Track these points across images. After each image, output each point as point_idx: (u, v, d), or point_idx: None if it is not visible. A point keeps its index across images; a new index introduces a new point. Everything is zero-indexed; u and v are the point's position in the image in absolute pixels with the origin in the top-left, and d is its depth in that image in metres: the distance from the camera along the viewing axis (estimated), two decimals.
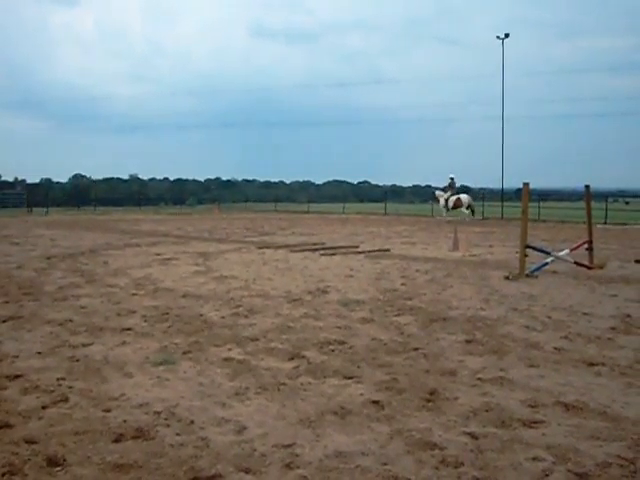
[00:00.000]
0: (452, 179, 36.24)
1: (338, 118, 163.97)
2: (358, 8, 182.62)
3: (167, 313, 8.34)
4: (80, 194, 65.33)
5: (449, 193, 35.14)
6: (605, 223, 32.88)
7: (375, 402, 4.89)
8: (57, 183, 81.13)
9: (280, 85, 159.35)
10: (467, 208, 34.89)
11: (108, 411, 4.68)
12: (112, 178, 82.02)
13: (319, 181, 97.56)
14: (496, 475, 3.67)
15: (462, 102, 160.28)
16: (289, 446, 4.08)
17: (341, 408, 4.75)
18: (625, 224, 32.90)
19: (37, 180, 79.53)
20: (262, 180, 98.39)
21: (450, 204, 34.89)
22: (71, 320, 7.91)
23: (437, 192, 36.67)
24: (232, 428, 4.38)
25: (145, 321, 7.90)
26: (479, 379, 5.54)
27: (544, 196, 51.36)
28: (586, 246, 13.72)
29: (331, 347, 6.61)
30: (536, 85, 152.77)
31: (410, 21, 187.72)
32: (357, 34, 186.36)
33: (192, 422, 4.46)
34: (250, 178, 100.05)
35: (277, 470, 3.75)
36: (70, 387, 5.25)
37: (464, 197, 35.21)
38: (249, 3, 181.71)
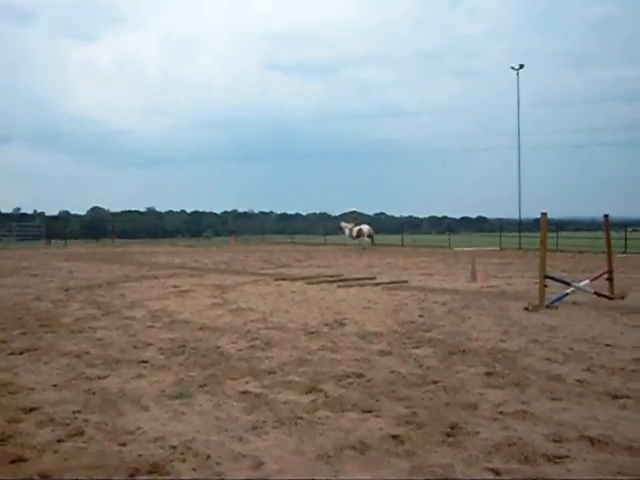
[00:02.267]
0: (354, 212, 41.89)
1: (354, 150, 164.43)
2: (371, 41, 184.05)
3: (184, 346, 8.29)
4: (98, 227, 65.79)
5: (353, 224, 39.77)
6: (625, 252, 32.59)
7: (395, 437, 4.79)
8: (75, 216, 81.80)
9: (296, 118, 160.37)
10: (368, 237, 39.62)
11: (124, 445, 4.62)
12: (130, 211, 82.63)
13: (336, 213, 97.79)
14: None
15: (477, 133, 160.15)
16: None
17: (360, 443, 4.65)
18: None
19: (56, 213, 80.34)
20: (279, 212, 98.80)
21: (353, 233, 39.31)
22: (88, 352, 7.88)
23: (342, 223, 41.27)
24: (249, 463, 4.29)
25: (161, 354, 7.85)
26: (500, 412, 5.42)
27: (562, 226, 51.13)
28: (606, 276, 13.56)
29: (349, 380, 6.52)
30: (551, 115, 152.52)
31: (422, 54, 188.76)
32: (371, 67, 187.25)
33: (208, 457, 4.38)
34: (267, 210, 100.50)
35: None
36: (86, 420, 5.19)
37: (365, 228, 39.72)
38: (264, 37, 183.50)
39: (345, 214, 44.33)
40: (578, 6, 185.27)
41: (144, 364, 7.26)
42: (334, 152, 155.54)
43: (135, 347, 8.25)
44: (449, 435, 4.84)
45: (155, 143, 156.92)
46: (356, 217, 41.09)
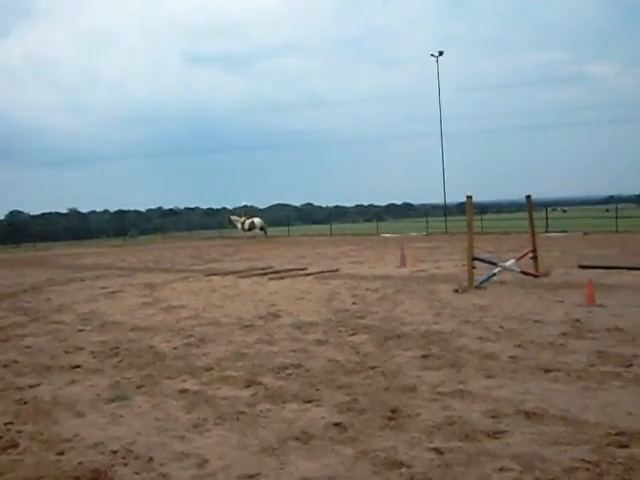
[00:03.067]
0: (246, 206, 45.92)
1: (278, 141, 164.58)
2: (291, 31, 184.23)
3: (116, 347, 8.13)
4: (18, 231, 63.67)
5: (244, 218, 41.80)
6: (546, 232, 33.58)
7: (337, 424, 4.82)
8: None
9: (218, 110, 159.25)
10: (260, 229, 41.65)
11: (62, 454, 4.50)
12: (51, 213, 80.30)
13: (262, 205, 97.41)
14: None
15: (400, 121, 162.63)
16: (253, 477, 3.98)
17: (303, 433, 4.66)
18: (565, 231, 33.68)
19: None
20: (205, 207, 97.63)
21: (246, 226, 41.20)
22: (16, 361, 7.62)
23: (232, 217, 43.17)
24: (193, 462, 4.25)
25: (94, 357, 7.67)
26: (439, 393, 5.52)
27: (485, 209, 52.28)
28: (531, 255, 13.96)
29: (288, 371, 6.53)
30: (473, 101, 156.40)
31: (343, 42, 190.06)
32: (291, 58, 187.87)
33: (151, 459, 4.31)
34: (192, 206, 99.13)
35: None
36: (19, 431, 5.03)
37: (257, 220, 41.85)
38: (183, 29, 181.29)
39: (236, 209, 46.43)
40: None
41: (77, 369, 7.08)
42: (258, 144, 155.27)
43: (66, 352, 8.04)
44: (390, 419, 4.89)
45: (73, 141, 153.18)
46: (246, 211, 43.78)
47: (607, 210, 48.59)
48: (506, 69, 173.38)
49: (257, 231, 41.42)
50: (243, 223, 41.54)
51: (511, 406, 5.05)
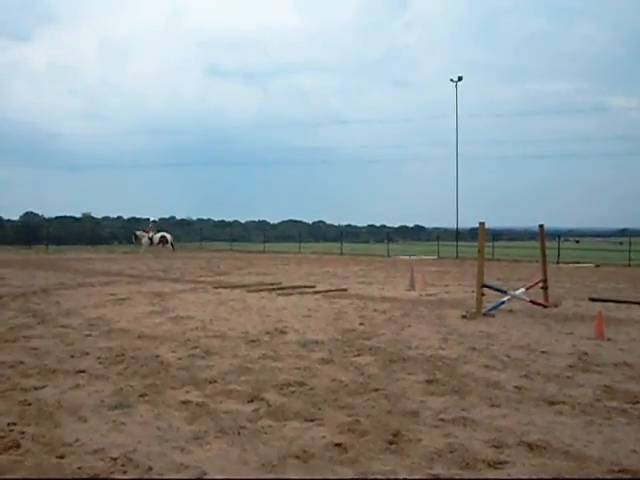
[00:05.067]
0: (155, 222, 44.03)
1: (292, 157, 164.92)
2: (311, 49, 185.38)
3: (122, 355, 8.14)
4: (32, 232, 63.96)
5: (152, 233, 41.05)
6: (557, 262, 33.47)
7: (338, 445, 4.80)
8: (8, 221, 79.51)
9: (234, 124, 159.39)
10: (170, 244, 41.18)
11: (62, 457, 4.50)
12: (65, 216, 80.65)
13: (274, 221, 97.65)
14: None
15: (416, 143, 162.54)
16: None
17: (303, 452, 4.65)
18: (577, 262, 33.56)
19: None
20: (217, 219, 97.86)
21: (156, 240, 40.60)
22: (22, 362, 7.65)
23: (139, 232, 42.09)
24: (192, 474, 4.24)
25: (100, 363, 7.69)
26: (441, 420, 5.50)
27: (497, 235, 52.19)
28: (541, 285, 13.92)
29: (291, 389, 6.51)
30: (488, 127, 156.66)
31: (362, 63, 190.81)
32: (310, 74, 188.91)
33: (150, 468, 4.31)
34: (205, 217, 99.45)
35: None
36: (22, 432, 5.04)
37: (168, 235, 41.58)
38: (203, 42, 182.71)
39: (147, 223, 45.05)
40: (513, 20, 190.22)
41: (82, 374, 7.09)
42: (273, 159, 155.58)
43: (72, 356, 8.06)
44: (391, 442, 4.87)
45: (92, 148, 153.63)
46: (153, 226, 42.70)
47: (620, 243, 48.35)
48: (523, 97, 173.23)
49: (168, 246, 41.04)
50: (151, 238, 40.86)
51: (514, 437, 5.02)
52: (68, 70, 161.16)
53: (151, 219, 44.41)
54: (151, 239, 40.47)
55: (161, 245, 40.53)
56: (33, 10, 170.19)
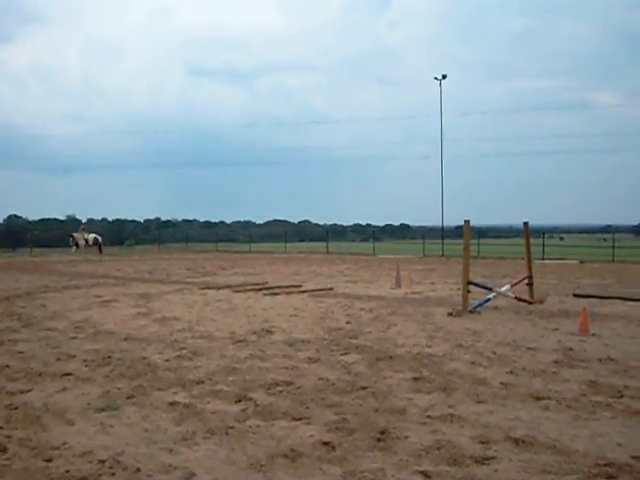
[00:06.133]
0: (86, 224, 46.56)
1: (277, 157, 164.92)
2: (296, 48, 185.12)
3: (109, 357, 8.11)
4: (15, 235, 63.52)
5: (85, 234, 41.74)
6: (543, 259, 33.64)
7: (326, 443, 4.81)
8: None
9: (219, 124, 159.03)
10: (99, 247, 41.89)
11: (49, 461, 4.49)
12: (48, 219, 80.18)
13: (260, 220, 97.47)
14: None
15: (400, 141, 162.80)
16: None
17: (291, 450, 4.66)
18: (562, 259, 33.75)
19: None
20: (202, 220, 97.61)
21: (90, 242, 41.32)
22: (8, 366, 7.61)
23: (75, 234, 42.16)
24: (180, 475, 4.24)
25: (86, 366, 7.66)
26: (429, 417, 5.52)
27: (482, 233, 52.38)
28: (526, 281, 13.99)
29: (279, 388, 6.52)
30: (472, 124, 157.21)
31: (346, 61, 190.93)
32: (294, 75, 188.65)
33: (138, 470, 4.30)
34: (190, 218, 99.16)
35: None
36: (8, 436, 5.01)
37: (99, 237, 42.54)
38: (187, 42, 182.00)
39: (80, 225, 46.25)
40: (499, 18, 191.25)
41: (68, 377, 7.07)
42: (258, 159, 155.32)
43: (58, 359, 8.03)
44: (379, 440, 4.89)
45: (74, 149, 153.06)
46: (85, 228, 43.55)
47: (604, 239, 48.63)
48: (508, 94, 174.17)
49: (97, 248, 41.49)
50: (86, 239, 41.10)
51: (501, 432, 5.05)
52: (51, 71, 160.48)
53: (84, 222, 46.19)
54: (86, 240, 40.98)
55: (95, 247, 40.99)
56: (15, 11, 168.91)
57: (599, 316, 11.56)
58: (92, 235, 41.43)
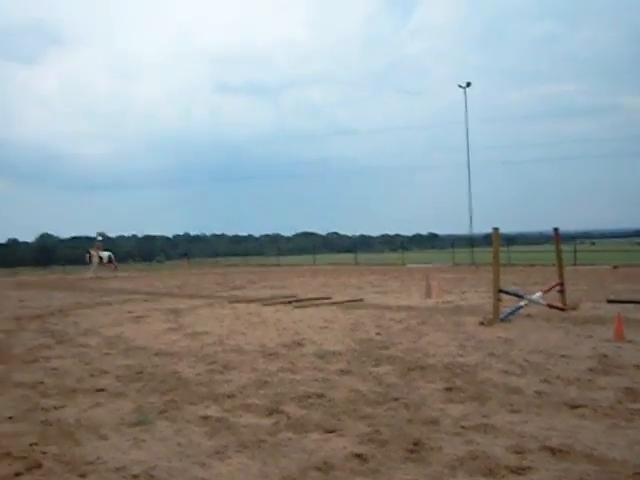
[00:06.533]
0: (100, 240, 41.76)
1: (304, 170, 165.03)
2: (320, 62, 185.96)
3: (141, 372, 8.16)
4: (48, 253, 64.44)
5: (99, 252, 39.17)
6: (574, 264, 33.27)
7: (358, 455, 4.78)
8: (24, 243, 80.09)
9: (245, 139, 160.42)
10: (113, 263, 39.98)
11: (84, 476, 4.51)
12: (79, 237, 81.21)
13: (288, 234, 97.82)
14: None
15: (426, 150, 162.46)
16: None
17: (324, 463, 4.63)
18: (593, 264, 33.34)
19: (3, 240, 78.44)
20: (231, 235, 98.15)
21: (105, 259, 39.00)
22: (42, 382, 7.70)
23: (92, 251, 39.28)
24: None
25: (118, 381, 7.71)
26: (462, 427, 5.46)
27: (511, 240, 51.95)
28: (558, 288, 13.83)
29: (310, 400, 6.50)
30: (496, 131, 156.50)
31: (370, 73, 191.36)
32: (319, 88, 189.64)
33: None
34: (219, 233, 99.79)
35: None
36: (43, 452, 5.06)
37: (112, 254, 40.25)
38: (213, 58, 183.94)
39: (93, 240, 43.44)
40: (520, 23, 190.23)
41: (101, 392, 7.12)
42: (285, 172, 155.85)
43: (91, 375, 8.10)
44: (412, 451, 4.85)
45: (104, 167, 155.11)
46: (99, 245, 40.75)
47: (638, 243, 47.96)
48: (532, 100, 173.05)
49: (112, 265, 39.73)
50: (101, 257, 38.81)
51: (536, 442, 4.98)
52: (78, 91, 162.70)
53: (99, 238, 42.67)
54: (101, 258, 38.94)
55: (110, 264, 39.25)
56: (40, 32, 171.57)
57: (634, 322, 11.36)
58: (106, 253, 39.69)
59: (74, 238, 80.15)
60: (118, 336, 11.46)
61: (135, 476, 4.48)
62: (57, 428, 5.74)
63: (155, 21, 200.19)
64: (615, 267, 31.26)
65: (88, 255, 39.09)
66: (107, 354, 9.64)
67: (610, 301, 14.83)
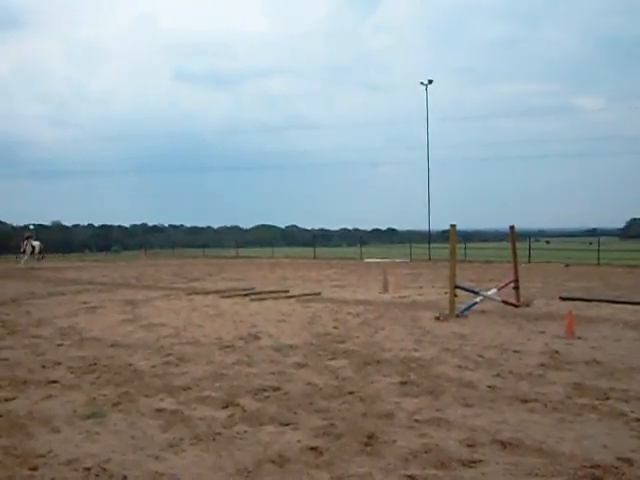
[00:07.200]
0: (32, 230, 41.65)
1: (263, 162, 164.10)
2: (280, 54, 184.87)
3: (95, 364, 8.07)
4: (0, 242, 63.11)
5: (31, 242, 38.16)
6: (529, 262, 33.80)
7: (313, 448, 4.81)
8: None
9: (204, 129, 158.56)
10: (40, 253, 38.50)
11: (35, 469, 4.45)
12: (34, 225, 79.79)
13: (247, 226, 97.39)
14: None
15: (387, 146, 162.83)
16: None
17: (279, 456, 4.65)
18: (548, 262, 33.91)
19: None
20: (189, 225, 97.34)
21: (37, 249, 37.97)
22: None
23: (33, 242, 38.42)
24: None
25: (72, 373, 7.61)
26: (416, 420, 5.53)
27: (468, 237, 52.53)
28: (513, 285, 14.05)
29: (266, 394, 6.51)
30: (456, 129, 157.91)
31: (331, 67, 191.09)
32: (279, 80, 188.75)
33: (125, 477, 4.28)
34: (177, 223, 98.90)
35: None
36: None
37: (41, 245, 38.90)
38: (172, 48, 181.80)
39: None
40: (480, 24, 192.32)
41: (54, 384, 7.02)
42: (244, 164, 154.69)
43: (44, 367, 7.98)
44: (367, 445, 4.89)
45: (60, 155, 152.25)
46: (31, 235, 39.58)
47: (590, 243, 48.87)
48: (490, 99, 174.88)
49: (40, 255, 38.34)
50: (33, 247, 37.39)
51: (487, 435, 5.06)
52: (34, 76, 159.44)
53: (30, 226, 41.99)
54: (33, 248, 37.79)
55: (40, 254, 38.00)
56: None
57: (585, 319, 11.61)
58: (36, 243, 38.01)
59: (28, 226, 78.68)
60: (72, 327, 11.31)
61: (87, 469, 4.43)
62: (7, 420, 5.65)
63: (115, 6, 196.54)
64: (567, 265, 31.84)
65: (25, 243, 38.02)
66: (60, 345, 9.51)
67: (562, 298, 15.12)
